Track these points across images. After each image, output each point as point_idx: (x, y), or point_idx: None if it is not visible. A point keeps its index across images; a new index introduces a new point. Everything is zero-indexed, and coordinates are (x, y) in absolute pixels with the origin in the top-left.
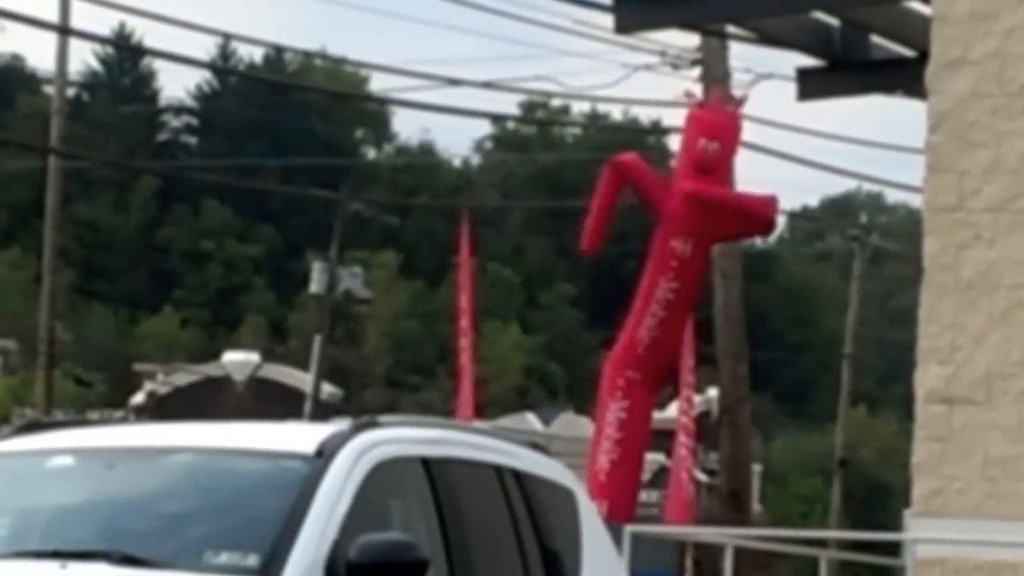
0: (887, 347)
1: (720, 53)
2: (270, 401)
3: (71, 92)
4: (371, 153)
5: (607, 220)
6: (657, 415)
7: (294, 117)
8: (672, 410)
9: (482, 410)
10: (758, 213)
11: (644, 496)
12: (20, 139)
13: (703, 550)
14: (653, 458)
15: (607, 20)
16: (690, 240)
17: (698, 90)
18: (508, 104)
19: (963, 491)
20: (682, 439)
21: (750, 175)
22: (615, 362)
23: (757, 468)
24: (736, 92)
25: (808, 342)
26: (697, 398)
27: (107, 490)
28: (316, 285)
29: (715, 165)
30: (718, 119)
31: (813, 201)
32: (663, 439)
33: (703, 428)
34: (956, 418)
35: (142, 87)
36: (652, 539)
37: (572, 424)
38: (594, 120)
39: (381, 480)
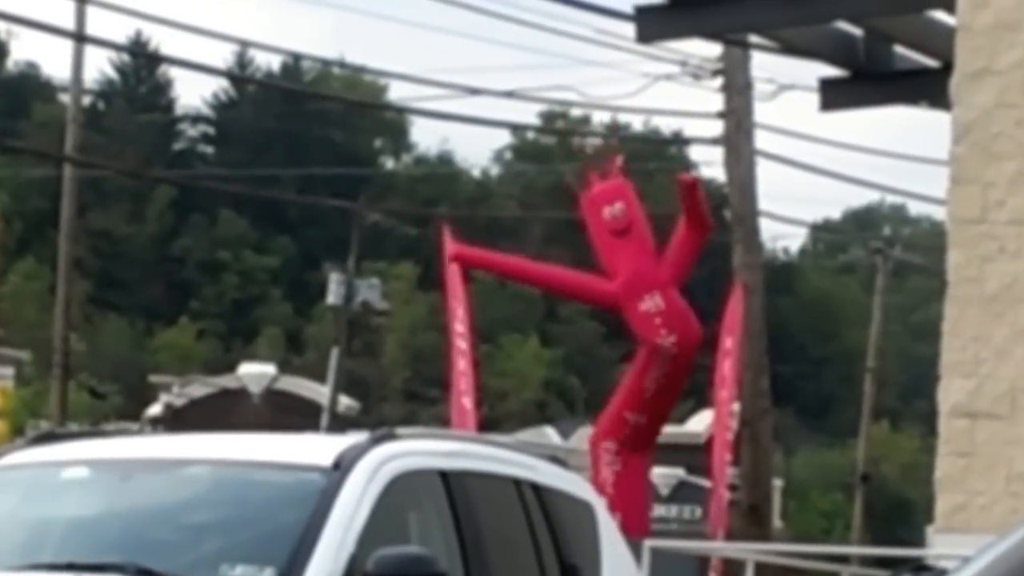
0: (910, 361)
1: (742, 63)
2: (287, 414)
3: (87, 100)
4: (389, 163)
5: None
6: (676, 429)
7: (312, 126)
8: (694, 424)
9: (498, 424)
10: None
11: (663, 511)
12: (35, 148)
13: (723, 566)
14: (671, 472)
15: (628, 29)
16: (653, 294)
17: (719, 100)
18: (528, 114)
19: (987, 507)
20: (723, 454)
21: (772, 189)
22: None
23: (778, 483)
24: (614, 159)
25: (830, 356)
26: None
27: (122, 502)
28: (333, 296)
29: (627, 225)
30: (606, 187)
31: (835, 213)
32: (682, 454)
33: None
34: (980, 433)
35: (158, 96)
36: (672, 555)
37: None
38: (615, 131)
39: (399, 493)
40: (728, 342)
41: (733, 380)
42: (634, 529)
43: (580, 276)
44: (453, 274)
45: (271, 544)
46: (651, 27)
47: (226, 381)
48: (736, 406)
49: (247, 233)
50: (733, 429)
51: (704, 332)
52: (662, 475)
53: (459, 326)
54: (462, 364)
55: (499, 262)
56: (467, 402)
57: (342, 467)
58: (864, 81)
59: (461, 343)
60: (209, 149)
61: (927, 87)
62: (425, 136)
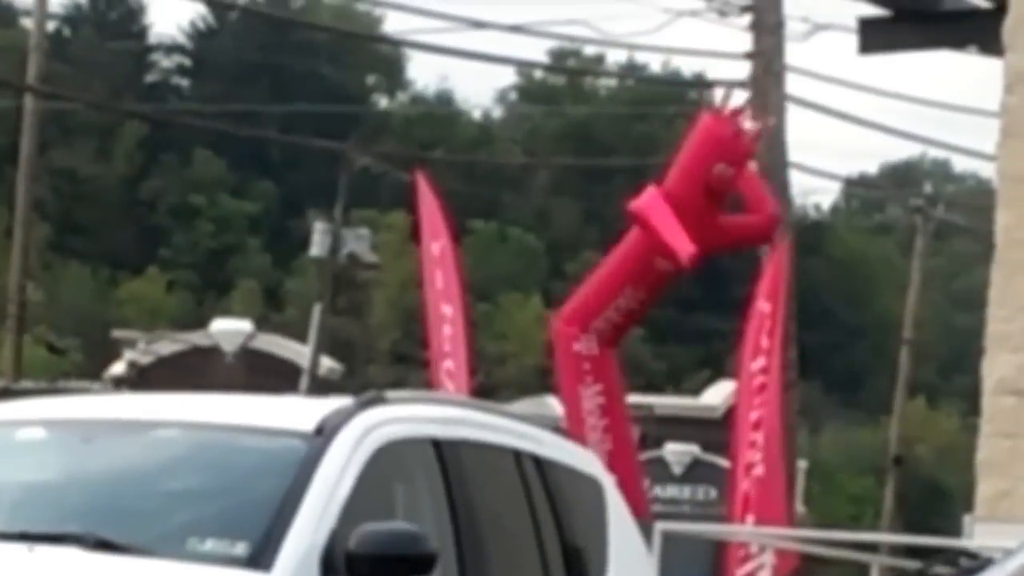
0: (951, 332)
1: None
2: (263, 375)
3: (51, 26)
4: (383, 102)
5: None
6: (691, 402)
7: (298, 59)
8: (710, 396)
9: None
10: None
11: (675, 492)
12: None
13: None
14: (685, 449)
15: None
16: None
17: (747, 40)
18: (536, 51)
19: None
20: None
21: (803, 136)
22: (566, 332)
23: (802, 464)
24: (751, 114)
25: (863, 325)
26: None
27: (82, 467)
28: (317, 248)
29: (725, 190)
30: (740, 144)
31: (872, 167)
32: (697, 428)
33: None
34: None
35: (130, 22)
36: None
37: None
38: (631, 71)
39: (387, 463)
40: (765, 305)
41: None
42: (635, 511)
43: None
44: (432, 226)
45: (244, 516)
46: None
47: (197, 338)
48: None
49: (224, 175)
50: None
51: (728, 295)
52: (675, 452)
53: (439, 285)
54: (447, 329)
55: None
56: (450, 365)
57: (325, 433)
58: (907, 22)
59: (445, 307)
60: (184, 82)
61: (977, 30)
62: (423, 73)
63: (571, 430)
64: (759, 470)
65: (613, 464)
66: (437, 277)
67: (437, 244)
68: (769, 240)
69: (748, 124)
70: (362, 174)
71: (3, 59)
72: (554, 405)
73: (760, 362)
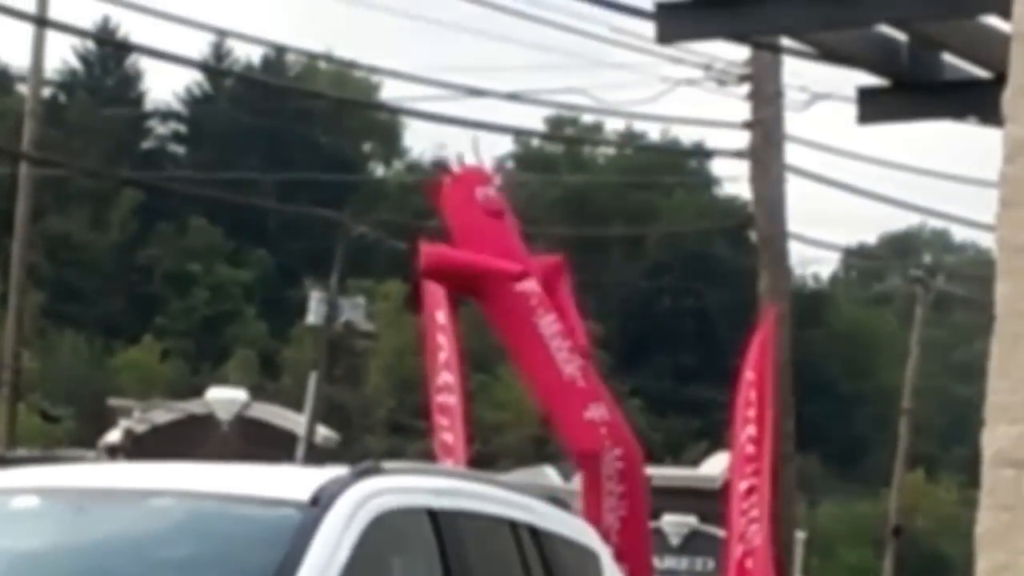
0: (950, 403)
1: (773, 68)
2: (258, 444)
3: (47, 92)
4: (379, 169)
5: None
6: (689, 473)
7: (294, 126)
8: (708, 467)
9: (491, 462)
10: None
11: (673, 563)
12: None
13: None
14: (683, 520)
15: (647, 28)
16: (529, 280)
17: (746, 109)
18: (534, 119)
19: None
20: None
21: (803, 208)
22: (568, 413)
23: (801, 535)
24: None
25: (862, 395)
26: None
27: (77, 536)
28: (313, 316)
29: (501, 209)
30: (472, 170)
31: (871, 237)
32: (695, 500)
33: None
34: None
35: (126, 88)
36: None
37: None
38: (629, 139)
39: (383, 533)
40: (750, 375)
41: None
42: None
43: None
44: (434, 295)
45: None
46: (673, 26)
47: (193, 406)
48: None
49: (220, 243)
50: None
51: (726, 365)
52: (673, 523)
53: (442, 355)
54: (449, 400)
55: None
56: (448, 438)
57: (321, 502)
58: (907, 92)
59: (447, 376)
60: (180, 149)
61: (977, 100)
62: (419, 140)
63: (587, 497)
64: (753, 540)
65: (624, 533)
66: (441, 345)
67: (440, 312)
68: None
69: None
70: (358, 242)
71: None
72: (551, 475)
73: (749, 431)
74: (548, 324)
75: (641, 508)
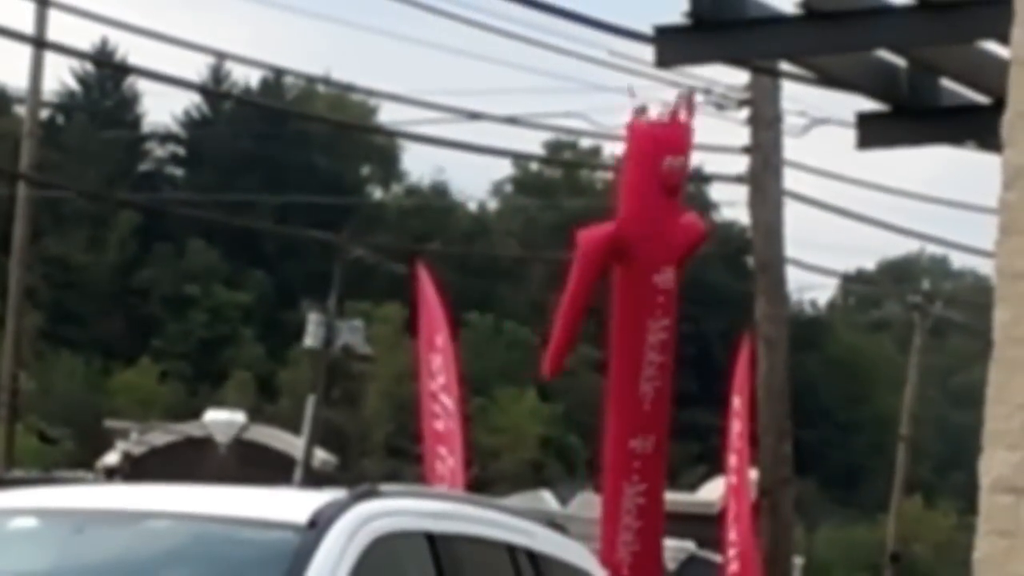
0: (948, 429)
1: (772, 93)
2: (256, 466)
3: (44, 114)
4: (377, 193)
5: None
6: (687, 497)
7: (293, 150)
8: (707, 491)
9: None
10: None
11: None
12: None
13: None
14: (680, 546)
15: (646, 52)
16: (669, 269)
17: (745, 134)
18: (532, 143)
19: None
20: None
21: (801, 234)
22: (619, 432)
23: (798, 561)
24: (683, 101)
25: (859, 421)
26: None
27: (74, 557)
28: (311, 339)
29: (680, 183)
30: (677, 133)
31: (869, 263)
32: (692, 525)
33: None
34: None
35: (124, 111)
36: None
37: (592, 504)
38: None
39: (381, 556)
40: (736, 402)
41: (744, 446)
42: None
43: None
44: (433, 319)
45: None
46: (671, 50)
47: (190, 429)
48: (753, 473)
49: (218, 265)
50: (750, 499)
51: (724, 390)
52: (670, 548)
53: (440, 379)
54: (446, 424)
55: None
56: (443, 463)
57: (319, 525)
58: (906, 117)
59: (446, 399)
60: (178, 171)
61: (975, 125)
62: (417, 164)
63: (603, 528)
64: (734, 566)
65: (635, 569)
66: (438, 369)
67: (439, 336)
68: (700, 242)
69: (680, 115)
70: (356, 265)
71: None
72: (548, 500)
73: (733, 458)
74: (658, 329)
75: (655, 546)
